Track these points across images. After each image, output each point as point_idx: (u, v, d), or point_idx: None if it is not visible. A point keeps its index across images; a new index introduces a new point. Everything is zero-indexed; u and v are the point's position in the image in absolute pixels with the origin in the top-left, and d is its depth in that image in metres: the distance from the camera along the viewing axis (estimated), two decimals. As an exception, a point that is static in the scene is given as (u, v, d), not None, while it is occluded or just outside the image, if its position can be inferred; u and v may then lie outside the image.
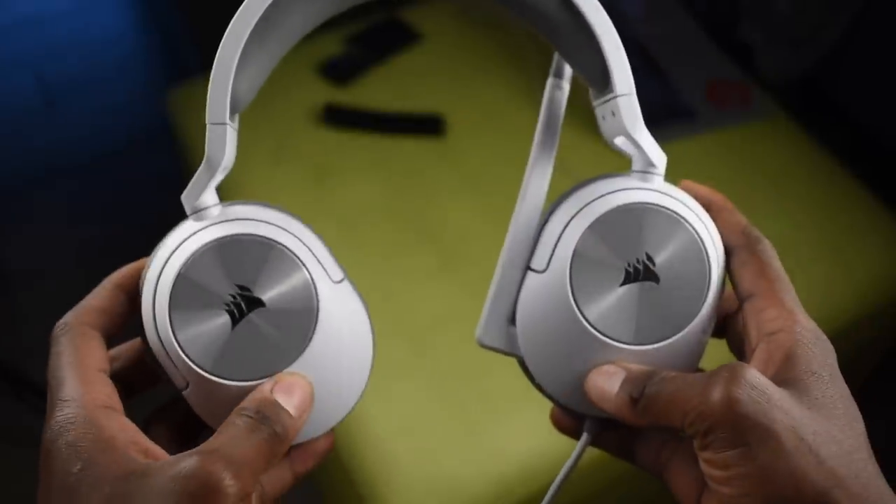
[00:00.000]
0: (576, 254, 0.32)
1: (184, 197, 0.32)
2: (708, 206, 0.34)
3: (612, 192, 0.33)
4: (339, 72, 1.26)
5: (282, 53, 0.33)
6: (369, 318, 0.33)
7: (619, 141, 0.34)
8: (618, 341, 0.31)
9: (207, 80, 0.31)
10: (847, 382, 0.30)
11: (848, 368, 0.31)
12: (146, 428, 0.30)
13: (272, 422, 0.29)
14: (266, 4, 0.31)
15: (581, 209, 0.33)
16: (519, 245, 0.34)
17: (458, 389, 0.93)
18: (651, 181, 0.33)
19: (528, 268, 0.34)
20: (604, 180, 0.34)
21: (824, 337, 0.30)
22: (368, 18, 1.33)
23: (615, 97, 0.33)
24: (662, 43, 1.30)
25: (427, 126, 1.20)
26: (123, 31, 2.08)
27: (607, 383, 0.31)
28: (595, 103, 0.35)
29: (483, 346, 0.34)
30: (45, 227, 1.70)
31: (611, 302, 0.31)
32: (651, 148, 0.33)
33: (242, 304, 0.30)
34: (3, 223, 1.69)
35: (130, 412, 0.30)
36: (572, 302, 0.31)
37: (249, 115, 0.35)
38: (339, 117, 1.20)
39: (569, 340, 0.32)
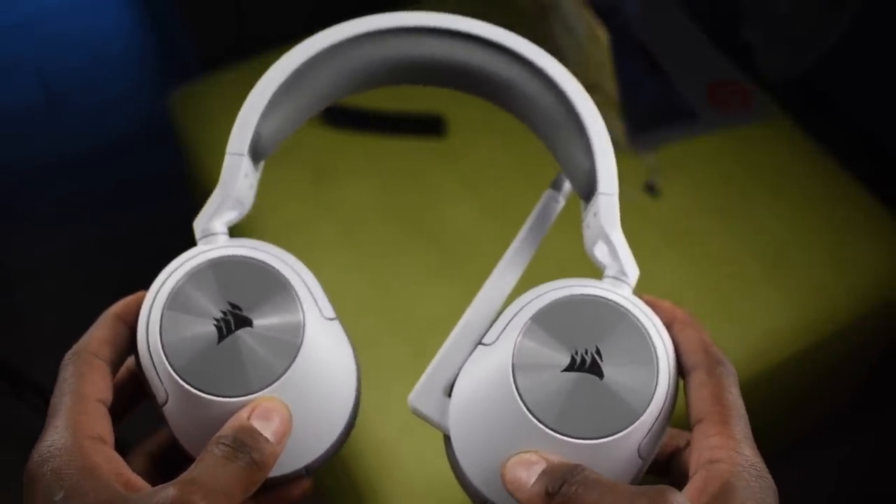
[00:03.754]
0: (526, 328, 0.31)
1: (195, 223, 0.34)
2: (671, 321, 0.33)
3: (578, 286, 0.33)
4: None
5: (307, 115, 0.36)
6: (356, 361, 0.34)
7: (599, 251, 0.34)
8: (545, 425, 0.30)
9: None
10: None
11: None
12: (129, 461, 0.30)
13: (250, 449, 0.29)
14: (301, 61, 0.34)
15: (543, 294, 0.33)
16: (475, 322, 0.34)
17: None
18: (620, 289, 0.33)
19: (479, 343, 0.34)
20: (574, 279, 0.34)
21: (768, 475, 0.29)
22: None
23: (598, 195, 0.34)
24: (662, 43, 1.30)
25: (427, 126, 1.20)
26: (124, 29, 2.09)
27: (525, 473, 0.29)
28: (583, 214, 0.36)
29: (413, 410, 0.34)
30: (45, 226, 1.70)
31: (549, 383, 0.30)
32: (626, 258, 0.33)
33: (231, 321, 0.31)
34: (3, 223, 1.69)
35: (120, 445, 0.31)
36: (510, 372, 0.31)
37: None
38: (339, 117, 1.20)
39: (496, 409, 0.31)
